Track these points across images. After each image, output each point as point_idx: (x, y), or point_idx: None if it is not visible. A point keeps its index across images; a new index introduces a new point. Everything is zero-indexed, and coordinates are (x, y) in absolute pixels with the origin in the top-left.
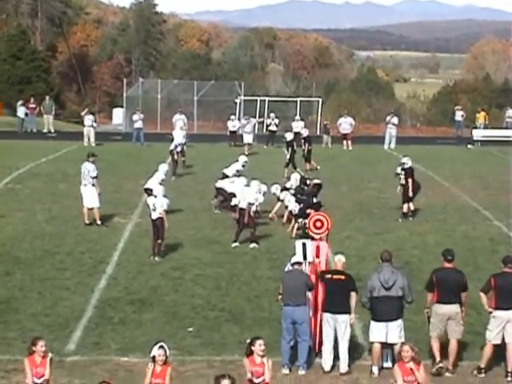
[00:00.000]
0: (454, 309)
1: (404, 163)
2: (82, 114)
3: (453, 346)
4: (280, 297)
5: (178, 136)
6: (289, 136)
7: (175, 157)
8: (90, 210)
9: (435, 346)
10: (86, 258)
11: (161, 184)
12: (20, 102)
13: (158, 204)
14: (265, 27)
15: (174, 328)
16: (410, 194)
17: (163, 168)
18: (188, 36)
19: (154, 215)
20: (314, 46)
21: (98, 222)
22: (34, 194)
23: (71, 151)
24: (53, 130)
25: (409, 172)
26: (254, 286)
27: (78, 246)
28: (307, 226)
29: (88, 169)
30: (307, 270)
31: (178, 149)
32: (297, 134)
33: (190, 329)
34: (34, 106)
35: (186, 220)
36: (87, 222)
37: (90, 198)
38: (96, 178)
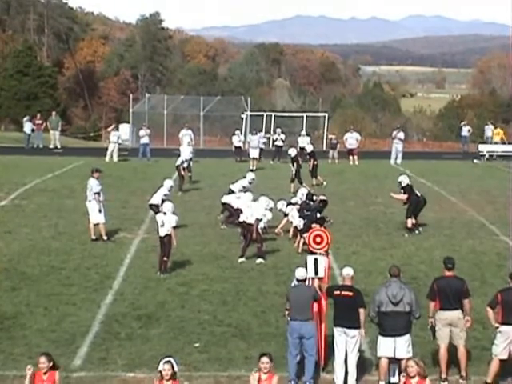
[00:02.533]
0: (456, 315)
1: (400, 182)
2: (109, 129)
3: (461, 353)
4: (287, 312)
5: (185, 151)
6: (292, 152)
7: (182, 172)
8: (96, 225)
9: (443, 358)
10: (92, 274)
11: (165, 199)
12: (26, 118)
13: (167, 221)
14: (271, 43)
15: (181, 343)
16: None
17: (168, 183)
18: (194, 51)
19: (162, 232)
20: (320, 62)
21: (104, 238)
22: (41, 210)
23: (77, 167)
24: (59, 146)
25: (407, 189)
26: (260, 302)
27: (85, 261)
28: (307, 241)
29: (91, 185)
30: (310, 284)
31: (185, 164)
32: (302, 150)
33: (197, 344)
34: (40, 121)
35: (192, 235)
36: (93, 237)
37: (96, 213)
38: (98, 194)
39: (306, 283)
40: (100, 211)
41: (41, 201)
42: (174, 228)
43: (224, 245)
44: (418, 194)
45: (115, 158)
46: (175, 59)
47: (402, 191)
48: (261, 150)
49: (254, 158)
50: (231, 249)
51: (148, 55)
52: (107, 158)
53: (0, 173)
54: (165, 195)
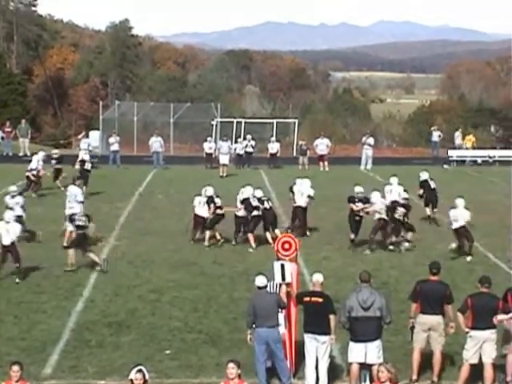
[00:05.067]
0: (436, 319)
1: (420, 176)
2: (79, 137)
3: (437, 357)
4: (249, 319)
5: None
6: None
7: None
8: (70, 232)
9: (415, 361)
10: (62, 282)
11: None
12: None
13: (11, 230)
14: (241, 49)
15: (152, 350)
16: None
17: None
18: (164, 58)
19: (6, 241)
20: (289, 68)
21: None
22: None
23: (47, 174)
24: (29, 154)
25: (424, 185)
26: (231, 308)
27: (55, 269)
28: (275, 248)
29: (75, 193)
30: (277, 290)
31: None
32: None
33: (168, 351)
34: (9, 129)
35: (162, 242)
36: (65, 244)
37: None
38: (82, 203)
39: (269, 289)
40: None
41: None
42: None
43: (194, 251)
44: (432, 187)
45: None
46: (145, 66)
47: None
48: (239, 155)
49: (224, 165)
50: (202, 255)
51: (118, 62)
52: (77, 166)
53: None
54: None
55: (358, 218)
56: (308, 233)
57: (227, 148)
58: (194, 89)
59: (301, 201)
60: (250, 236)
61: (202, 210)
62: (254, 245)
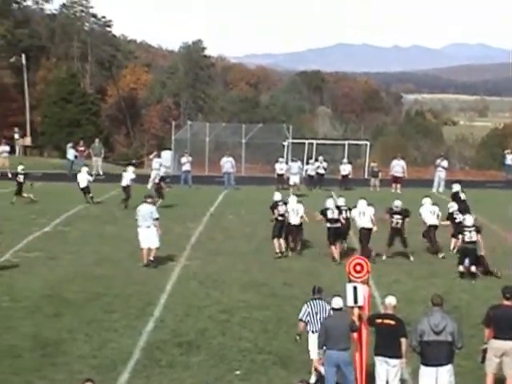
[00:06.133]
0: (509, 345)
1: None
2: (151, 156)
3: (509, 383)
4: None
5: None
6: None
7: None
8: (149, 249)
9: None
10: (134, 301)
11: None
12: (70, 145)
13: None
14: (313, 70)
15: (222, 371)
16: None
17: None
18: (236, 79)
19: None
20: (362, 89)
21: (151, 258)
22: (83, 236)
23: (120, 193)
24: (101, 173)
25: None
26: None
27: (127, 288)
28: (347, 270)
29: (150, 210)
30: (348, 312)
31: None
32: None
33: (238, 372)
34: (83, 148)
35: (233, 263)
36: (145, 262)
37: (151, 238)
38: (158, 219)
39: (343, 312)
40: (156, 236)
41: (83, 227)
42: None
43: (265, 272)
44: (462, 198)
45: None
46: (217, 87)
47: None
48: (310, 176)
49: (294, 185)
50: (272, 276)
51: (190, 83)
52: (149, 185)
53: (43, 199)
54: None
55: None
56: (373, 253)
57: (297, 168)
58: (266, 110)
59: (364, 222)
60: (333, 248)
61: (295, 218)
62: (337, 257)
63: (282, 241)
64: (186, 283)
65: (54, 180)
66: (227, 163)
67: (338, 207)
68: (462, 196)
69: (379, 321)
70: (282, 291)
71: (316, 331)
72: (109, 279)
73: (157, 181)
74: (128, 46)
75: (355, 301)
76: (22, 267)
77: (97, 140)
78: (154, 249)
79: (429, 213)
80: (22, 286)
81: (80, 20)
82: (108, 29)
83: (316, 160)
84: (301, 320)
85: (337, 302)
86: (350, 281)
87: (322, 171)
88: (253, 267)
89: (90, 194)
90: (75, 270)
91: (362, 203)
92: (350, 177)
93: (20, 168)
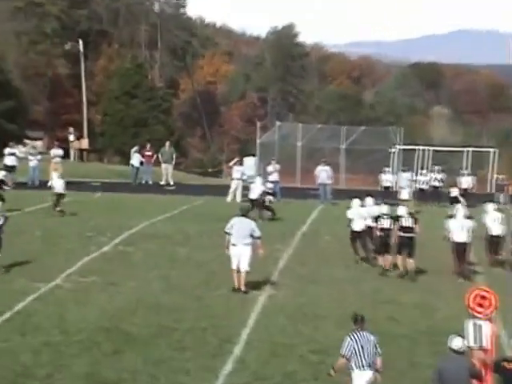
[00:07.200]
0: None
1: None
2: (231, 164)
3: None
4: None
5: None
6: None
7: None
8: (238, 272)
9: None
10: (209, 336)
11: None
12: (134, 149)
13: None
14: (429, 62)
15: None
16: None
17: None
18: (335, 72)
19: None
20: (487, 85)
21: (243, 288)
22: (149, 259)
23: (194, 208)
24: (172, 183)
25: None
26: (410, 376)
27: (201, 321)
28: (467, 303)
29: (251, 226)
30: (468, 354)
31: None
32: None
33: None
34: (150, 153)
35: (329, 293)
36: (236, 286)
37: (243, 259)
38: (260, 238)
39: (464, 356)
40: (249, 258)
41: (149, 248)
42: None
43: (366, 305)
44: None
45: (238, 198)
46: (312, 81)
47: None
48: (422, 190)
49: (404, 200)
50: (375, 309)
51: (279, 75)
52: (229, 198)
53: (102, 213)
54: None
55: None
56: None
57: (407, 180)
58: (370, 109)
59: (461, 236)
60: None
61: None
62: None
63: (388, 257)
64: (271, 316)
65: (116, 191)
66: (323, 173)
67: (411, 214)
68: None
69: (508, 366)
70: (386, 328)
71: (362, 367)
72: (179, 310)
73: (261, 198)
74: (205, 31)
75: (477, 341)
76: (75, 294)
77: (167, 143)
78: (243, 272)
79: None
80: (75, 317)
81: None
82: (182, 10)
83: (431, 171)
84: (343, 356)
85: (457, 344)
86: (472, 317)
87: (437, 184)
88: (351, 298)
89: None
90: (139, 299)
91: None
92: (473, 191)
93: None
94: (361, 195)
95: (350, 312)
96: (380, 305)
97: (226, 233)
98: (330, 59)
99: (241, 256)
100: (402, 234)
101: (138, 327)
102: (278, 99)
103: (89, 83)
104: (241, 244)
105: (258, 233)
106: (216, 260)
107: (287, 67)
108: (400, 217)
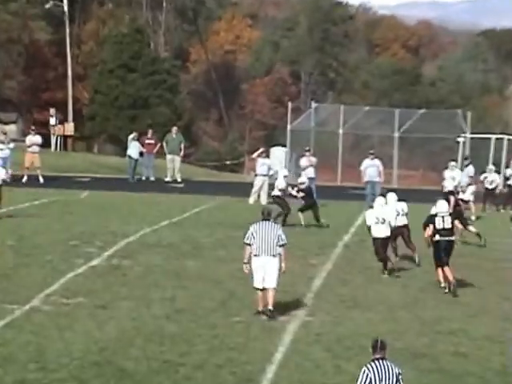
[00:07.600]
0: None
1: None
2: (255, 155)
3: None
4: None
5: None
6: None
7: None
8: (262, 291)
9: None
10: (225, 374)
11: None
12: (132, 136)
13: None
14: (505, 28)
15: None
16: None
17: None
18: (387, 40)
19: None
20: None
21: (270, 308)
22: (150, 275)
23: (207, 211)
24: (179, 179)
25: None
26: None
27: (214, 355)
28: None
29: (277, 233)
30: None
31: None
32: None
33: None
34: (152, 141)
35: (377, 320)
36: (260, 309)
37: (271, 274)
38: (283, 245)
39: None
40: (283, 272)
41: (150, 261)
42: None
43: (427, 336)
44: None
45: (264, 200)
46: (357, 51)
47: None
48: (489, 190)
49: (466, 202)
50: (436, 342)
51: (317, 44)
52: (252, 199)
53: (91, 217)
54: None
55: None
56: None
57: (468, 177)
58: (431, 87)
59: None
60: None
61: None
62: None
63: (447, 270)
64: (305, 350)
65: (109, 189)
66: (371, 168)
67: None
68: None
69: None
70: (451, 365)
71: None
72: (187, 341)
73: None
74: None
75: None
76: (56, 320)
77: (174, 129)
78: (271, 290)
79: None
80: (56, 348)
81: None
82: None
83: (507, 166)
84: None
85: None
86: None
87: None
88: (407, 327)
89: None
90: (136, 326)
91: None
92: None
93: None
94: (419, 196)
95: (406, 345)
96: (444, 336)
97: (246, 244)
98: (380, 23)
99: (266, 270)
100: (438, 237)
101: (136, 362)
102: (315, 74)
103: (75, 52)
104: (265, 255)
105: (283, 240)
106: (234, 277)
107: (326, 34)
108: (434, 215)
